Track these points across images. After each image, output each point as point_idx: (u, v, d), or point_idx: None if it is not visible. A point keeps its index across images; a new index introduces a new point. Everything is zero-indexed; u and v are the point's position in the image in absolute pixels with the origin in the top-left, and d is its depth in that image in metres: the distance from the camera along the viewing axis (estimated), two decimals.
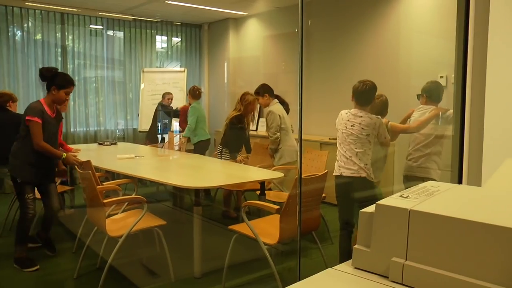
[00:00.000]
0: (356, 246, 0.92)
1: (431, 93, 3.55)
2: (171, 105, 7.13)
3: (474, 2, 1.57)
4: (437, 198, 0.91)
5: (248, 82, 7.13)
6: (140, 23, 8.04)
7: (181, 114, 6.65)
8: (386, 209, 0.87)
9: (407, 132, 3.58)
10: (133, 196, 3.74)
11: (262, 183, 3.85)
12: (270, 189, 4.36)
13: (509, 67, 1.82)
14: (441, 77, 4.34)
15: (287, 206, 2.88)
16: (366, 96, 3.25)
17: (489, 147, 1.61)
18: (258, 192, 4.05)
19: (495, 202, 0.94)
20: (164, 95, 7.14)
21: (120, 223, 3.37)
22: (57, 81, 3.59)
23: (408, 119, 3.66)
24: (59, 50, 7.38)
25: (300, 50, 2.40)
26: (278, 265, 3.21)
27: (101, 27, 7.68)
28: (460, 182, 1.62)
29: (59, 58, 7.36)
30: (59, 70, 3.74)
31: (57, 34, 7.32)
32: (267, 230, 3.12)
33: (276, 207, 3.02)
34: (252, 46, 7.77)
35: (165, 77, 8.09)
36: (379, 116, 3.31)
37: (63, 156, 3.65)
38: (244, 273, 3.48)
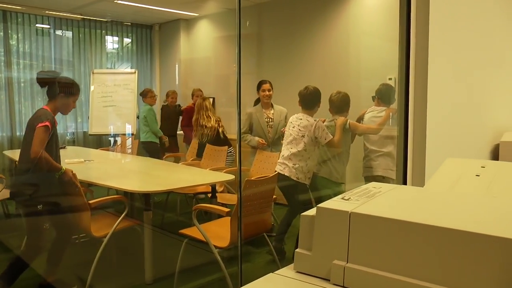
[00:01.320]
0: (297, 250, 0.91)
1: (382, 95, 3.63)
2: (177, 104, 6.83)
3: (415, 6, 1.60)
4: (378, 199, 0.91)
5: (200, 83, 7.05)
6: (89, 22, 7.80)
7: (184, 113, 6.48)
8: (327, 212, 0.86)
9: (369, 132, 3.64)
10: (116, 196, 3.65)
11: (213, 186, 3.81)
12: (228, 192, 4.35)
13: (449, 69, 1.88)
14: (390, 79, 4.45)
15: (238, 208, 2.85)
16: (308, 100, 3.54)
17: (432, 147, 1.65)
18: (209, 195, 4.00)
19: (434, 202, 0.95)
20: (168, 94, 6.78)
21: (99, 223, 3.36)
22: (65, 87, 3.27)
23: (361, 120, 3.72)
24: (2, 50, 7.03)
25: (238, 53, 2.39)
26: (230, 268, 3.17)
27: (48, 26, 7.39)
28: (404, 181, 1.65)
29: (2, 58, 7.01)
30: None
31: (0, 33, 6.98)
32: (218, 233, 3.09)
33: (227, 209, 2.99)
34: (203, 47, 7.71)
35: (116, 79, 7.87)
36: (319, 119, 3.47)
37: (62, 171, 3.15)
38: (195, 278, 3.43)
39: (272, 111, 4.37)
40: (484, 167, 1.37)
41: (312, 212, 0.89)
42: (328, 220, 0.86)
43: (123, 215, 3.30)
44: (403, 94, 1.64)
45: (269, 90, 4.34)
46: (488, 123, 2.52)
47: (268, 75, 6.11)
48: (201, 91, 6.30)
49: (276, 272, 0.91)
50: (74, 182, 3.18)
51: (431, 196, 1.01)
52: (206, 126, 4.97)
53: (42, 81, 3.31)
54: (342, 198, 0.91)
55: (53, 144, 3.17)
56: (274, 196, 3.31)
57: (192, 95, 6.40)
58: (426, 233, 0.76)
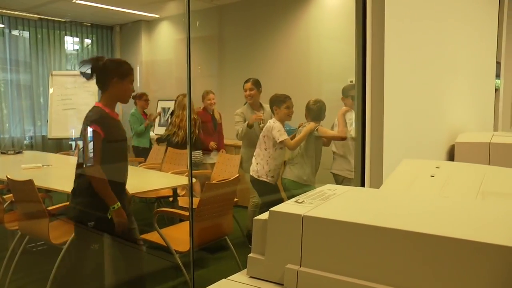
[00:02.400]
0: (250, 254, 0.89)
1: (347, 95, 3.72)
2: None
3: (371, 10, 1.62)
4: (332, 202, 0.90)
5: (162, 86, 6.95)
6: (47, 22, 7.56)
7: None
8: (279, 215, 0.84)
9: (336, 139, 3.69)
10: None
11: (174, 189, 3.75)
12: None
13: (405, 72, 1.90)
14: (351, 81, 4.50)
15: (198, 211, 2.82)
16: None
17: (389, 148, 1.67)
18: (171, 199, 3.95)
19: (387, 204, 0.95)
20: (203, 96, 5.35)
21: (58, 230, 3.24)
22: (117, 69, 2.62)
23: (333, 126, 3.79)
24: None
25: (188, 55, 2.36)
26: (196, 271, 3.13)
27: (2, 25, 7.11)
28: (363, 183, 1.66)
29: None
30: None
31: None
32: (179, 238, 3.04)
33: (187, 213, 2.95)
34: (165, 49, 7.60)
35: (76, 81, 7.67)
36: (275, 120, 3.62)
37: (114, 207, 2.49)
38: (157, 283, 3.36)
39: (262, 112, 4.13)
40: (438, 167, 1.39)
41: (264, 216, 0.87)
42: (280, 224, 0.84)
43: None
44: (360, 97, 1.65)
45: (250, 89, 4.08)
46: (444, 125, 2.57)
47: (230, 77, 6.08)
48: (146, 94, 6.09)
49: (229, 278, 0.88)
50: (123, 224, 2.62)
51: (385, 197, 1.00)
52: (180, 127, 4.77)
53: (86, 72, 2.65)
54: (296, 201, 0.89)
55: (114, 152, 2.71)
56: (235, 199, 3.29)
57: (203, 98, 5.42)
58: (377, 235, 0.75)
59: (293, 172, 3.62)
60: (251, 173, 3.72)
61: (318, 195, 0.93)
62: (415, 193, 1.16)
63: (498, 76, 3.72)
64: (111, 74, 2.60)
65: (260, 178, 3.66)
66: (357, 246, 0.77)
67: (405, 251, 0.73)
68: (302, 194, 0.94)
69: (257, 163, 3.69)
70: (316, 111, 3.62)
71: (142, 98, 6.22)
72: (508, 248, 0.66)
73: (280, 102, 3.63)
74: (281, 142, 3.55)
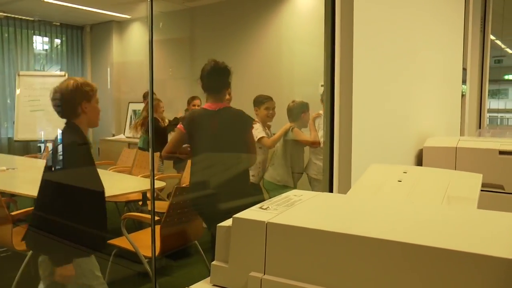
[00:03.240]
0: (214, 262, 0.86)
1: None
2: None
3: (340, 14, 1.62)
4: (297, 208, 0.88)
5: (133, 88, 6.85)
6: (14, 21, 7.35)
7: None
8: (243, 222, 0.82)
9: (307, 143, 3.72)
10: None
11: (144, 193, 3.69)
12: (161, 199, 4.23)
13: (374, 77, 1.92)
14: (322, 85, 4.53)
15: (168, 216, 2.78)
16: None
17: (358, 153, 1.67)
18: (140, 203, 3.89)
19: (353, 210, 0.94)
20: (189, 101, 5.24)
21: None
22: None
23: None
24: None
25: (150, 57, 2.32)
26: (161, 279, 3.08)
27: None
28: (331, 188, 1.65)
29: None
30: None
31: None
32: (148, 242, 2.99)
33: (156, 218, 2.90)
34: (137, 51, 7.50)
35: (45, 82, 7.48)
36: (255, 120, 3.53)
37: None
38: None
39: None
40: (406, 172, 1.40)
41: (228, 222, 0.85)
42: (244, 230, 0.82)
43: None
44: (328, 101, 1.65)
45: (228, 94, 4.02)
46: (412, 129, 2.61)
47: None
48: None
49: (191, 286, 0.86)
50: None
51: (351, 203, 1.00)
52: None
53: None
54: (261, 208, 0.87)
55: None
56: None
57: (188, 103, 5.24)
58: (342, 242, 0.74)
59: (269, 172, 3.66)
60: None
61: (284, 201, 0.91)
62: (382, 198, 1.16)
63: (464, 82, 3.80)
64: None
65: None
66: (321, 253, 0.76)
67: (370, 258, 0.72)
68: (267, 200, 0.92)
69: None
70: (292, 112, 3.66)
71: (192, 102, 5.29)
72: (469, 254, 0.66)
73: (259, 103, 3.64)
74: (259, 141, 3.52)
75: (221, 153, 2.80)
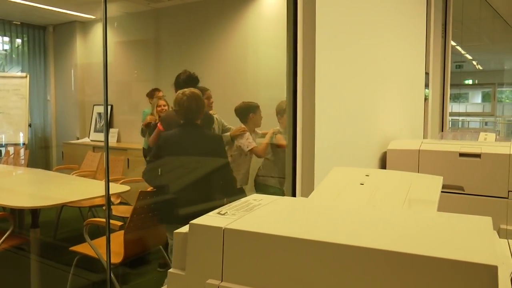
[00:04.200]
0: (170, 270, 0.84)
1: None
2: None
3: (302, 19, 1.62)
4: (255, 213, 0.87)
5: (98, 90, 6.71)
6: None
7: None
8: (200, 228, 0.80)
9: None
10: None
11: (108, 198, 3.60)
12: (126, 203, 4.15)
13: (337, 80, 1.93)
14: None
15: (131, 221, 2.72)
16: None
17: (321, 157, 1.67)
18: (104, 208, 3.79)
19: (314, 214, 0.93)
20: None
21: None
22: None
23: None
24: None
25: (104, 59, 2.28)
26: (125, 285, 3.02)
27: None
28: (294, 192, 1.65)
29: None
30: None
31: None
32: (112, 248, 2.92)
33: (120, 223, 2.84)
34: (101, 52, 7.36)
35: (4, 83, 7.23)
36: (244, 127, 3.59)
37: None
38: None
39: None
40: (368, 175, 1.40)
41: (185, 229, 0.83)
42: (201, 237, 0.79)
43: (7, 233, 3.04)
44: (291, 104, 1.64)
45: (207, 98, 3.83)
46: (377, 132, 2.64)
47: (167, 82, 5.96)
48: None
49: None
50: None
51: (311, 207, 0.99)
52: None
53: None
54: (219, 213, 0.85)
55: None
56: None
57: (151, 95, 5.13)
58: (299, 247, 0.73)
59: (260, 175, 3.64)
60: None
61: (243, 206, 0.90)
62: (343, 202, 1.16)
63: (427, 86, 3.89)
64: None
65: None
66: (279, 259, 0.74)
67: (329, 263, 0.71)
68: (226, 205, 0.90)
69: None
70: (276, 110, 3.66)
71: (154, 95, 5.21)
72: (423, 257, 0.66)
73: (248, 111, 3.62)
74: (251, 151, 3.49)
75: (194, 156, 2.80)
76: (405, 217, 0.94)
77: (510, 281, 0.86)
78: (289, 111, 1.66)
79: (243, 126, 3.73)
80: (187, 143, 2.84)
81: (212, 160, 2.88)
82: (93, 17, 7.21)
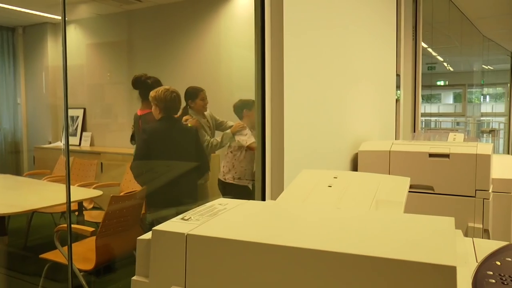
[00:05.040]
0: (134, 277, 0.83)
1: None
2: None
3: (270, 19, 1.62)
4: (220, 218, 0.86)
5: (71, 93, 6.58)
6: None
7: None
8: (162, 234, 0.79)
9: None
10: None
11: (80, 203, 3.55)
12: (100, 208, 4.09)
13: (304, 81, 1.94)
14: None
15: (103, 226, 2.68)
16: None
17: (291, 158, 1.68)
18: (77, 213, 3.73)
19: (279, 218, 0.93)
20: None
21: None
22: None
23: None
24: None
25: (64, 60, 2.25)
26: None
27: None
28: (263, 195, 1.64)
29: None
30: None
31: None
32: (84, 255, 2.87)
33: (91, 229, 2.79)
34: (73, 54, 7.23)
35: None
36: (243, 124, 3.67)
37: None
38: None
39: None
40: (336, 177, 1.41)
41: (148, 235, 0.82)
42: (164, 243, 0.79)
43: None
44: (259, 106, 1.64)
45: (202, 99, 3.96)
46: (348, 134, 2.67)
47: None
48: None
49: None
50: None
51: (277, 211, 0.99)
52: None
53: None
54: (182, 218, 0.84)
55: None
56: (143, 212, 3.18)
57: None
58: (263, 252, 0.73)
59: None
60: (219, 176, 3.71)
61: (207, 211, 0.89)
62: (310, 204, 1.16)
63: (398, 87, 3.95)
64: None
65: (227, 181, 3.64)
66: (243, 265, 0.74)
67: (294, 268, 0.71)
68: (191, 210, 0.89)
69: (223, 166, 3.71)
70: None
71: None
72: (383, 260, 0.67)
73: (243, 107, 3.67)
74: (250, 146, 3.53)
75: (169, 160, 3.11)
76: (369, 219, 0.95)
77: (471, 280, 0.87)
78: (258, 113, 1.66)
79: (241, 122, 3.81)
80: (167, 135, 3.19)
81: (188, 150, 3.28)
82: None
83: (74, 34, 7.21)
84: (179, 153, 3.24)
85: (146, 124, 3.33)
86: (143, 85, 3.58)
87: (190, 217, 0.85)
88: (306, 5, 1.90)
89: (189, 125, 3.63)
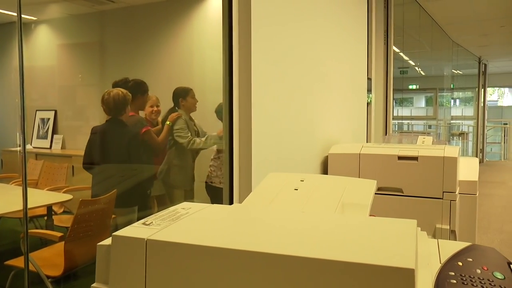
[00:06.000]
0: (94, 284, 0.81)
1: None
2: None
3: (237, 20, 1.62)
4: (182, 222, 0.86)
5: (42, 94, 6.46)
6: None
7: None
8: (122, 240, 0.78)
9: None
10: None
11: (49, 207, 3.48)
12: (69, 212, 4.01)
13: (273, 85, 1.94)
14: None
15: (72, 231, 2.63)
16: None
17: (258, 161, 1.68)
18: (46, 218, 3.65)
19: (242, 222, 0.93)
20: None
21: None
22: None
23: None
24: None
25: (20, 61, 2.20)
26: None
27: None
28: (231, 198, 1.64)
29: None
30: None
31: None
32: (52, 261, 2.81)
33: (59, 234, 2.74)
34: (44, 55, 7.08)
35: None
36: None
37: None
38: None
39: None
40: (303, 180, 1.42)
41: (108, 241, 0.81)
42: (124, 249, 0.78)
43: None
44: (227, 107, 1.64)
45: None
46: (318, 137, 2.69)
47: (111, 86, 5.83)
48: None
49: None
50: None
51: (241, 215, 0.99)
52: None
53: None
54: (144, 223, 0.84)
55: None
56: (113, 216, 3.13)
57: None
58: (224, 257, 0.73)
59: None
60: (206, 180, 3.67)
61: (169, 215, 0.89)
62: (275, 208, 1.17)
63: (369, 91, 4.01)
64: None
65: (214, 184, 3.57)
66: (204, 270, 0.74)
67: (256, 273, 0.71)
68: (153, 215, 0.89)
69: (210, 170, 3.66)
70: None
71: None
72: (342, 263, 0.67)
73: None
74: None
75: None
76: (332, 223, 0.96)
77: (434, 281, 0.89)
78: (225, 116, 1.65)
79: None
80: (112, 135, 3.33)
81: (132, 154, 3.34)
82: (34, 18, 6.93)
83: (44, 35, 7.06)
84: (122, 156, 3.32)
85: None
86: (123, 88, 3.54)
87: (152, 222, 0.84)
88: (276, 8, 1.91)
89: (167, 122, 3.63)
